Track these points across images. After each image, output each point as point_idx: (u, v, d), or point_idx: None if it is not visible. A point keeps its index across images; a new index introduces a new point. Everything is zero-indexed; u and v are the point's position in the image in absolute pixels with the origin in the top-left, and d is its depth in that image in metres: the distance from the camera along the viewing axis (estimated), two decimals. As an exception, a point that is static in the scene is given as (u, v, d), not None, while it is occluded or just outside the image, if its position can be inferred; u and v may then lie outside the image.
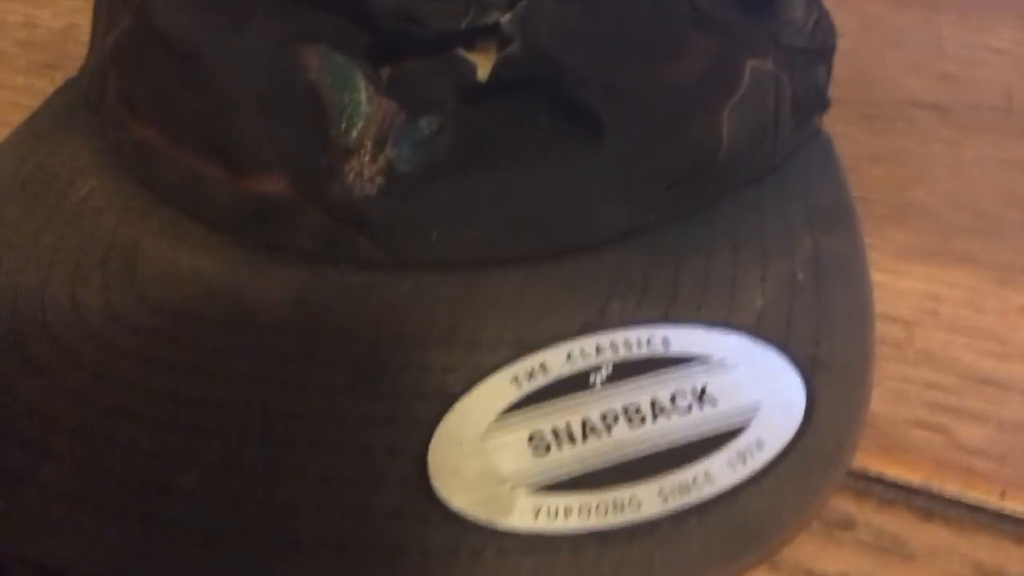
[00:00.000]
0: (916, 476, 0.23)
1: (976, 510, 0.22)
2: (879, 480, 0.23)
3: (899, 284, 0.27)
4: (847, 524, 0.22)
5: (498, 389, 0.22)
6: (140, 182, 0.26)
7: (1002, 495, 0.22)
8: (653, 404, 0.21)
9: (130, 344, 0.23)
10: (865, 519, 0.22)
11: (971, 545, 0.22)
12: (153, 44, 0.26)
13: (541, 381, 0.22)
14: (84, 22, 0.38)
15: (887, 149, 0.31)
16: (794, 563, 0.21)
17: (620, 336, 0.22)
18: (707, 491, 0.20)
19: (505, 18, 0.25)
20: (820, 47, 0.29)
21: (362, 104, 0.24)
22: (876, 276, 0.26)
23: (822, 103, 0.29)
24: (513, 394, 0.21)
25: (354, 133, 0.24)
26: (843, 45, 0.30)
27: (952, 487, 0.23)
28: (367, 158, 0.24)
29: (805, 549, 0.21)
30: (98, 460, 0.21)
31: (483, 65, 0.25)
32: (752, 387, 0.22)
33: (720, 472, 0.20)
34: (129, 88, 0.26)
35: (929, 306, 0.26)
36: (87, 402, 0.22)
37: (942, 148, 0.32)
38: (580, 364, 0.22)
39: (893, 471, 0.23)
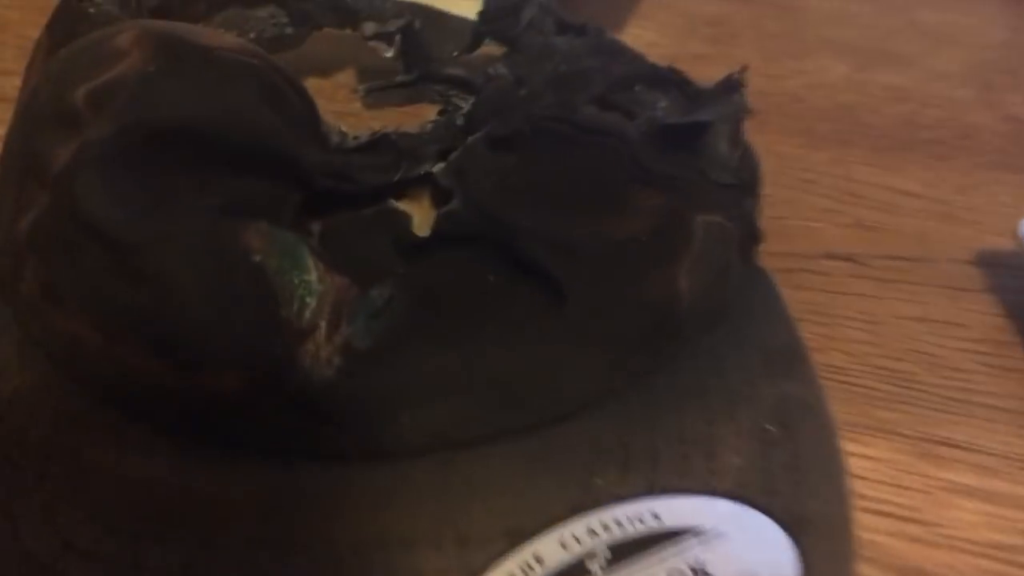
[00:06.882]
0: None
1: None
2: None
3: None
4: None
5: None
6: (72, 379, 0.24)
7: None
8: None
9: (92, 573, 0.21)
10: None
11: None
12: (78, 229, 0.23)
13: (539, 573, 0.21)
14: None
15: (803, 305, 0.30)
16: None
17: (609, 515, 0.22)
18: None
19: (438, 167, 0.25)
20: (747, 181, 0.29)
21: (312, 283, 0.22)
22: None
23: (757, 237, 0.29)
24: None
25: (307, 314, 0.22)
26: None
27: None
28: (323, 339, 0.22)
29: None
30: None
31: (417, 214, 0.25)
32: (746, 555, 0.22)
33: None
34: (53, 278, 0.24)
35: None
36: None
37: (857, 303, 0.32)
38: (576, 550, 0.22)
39: None
